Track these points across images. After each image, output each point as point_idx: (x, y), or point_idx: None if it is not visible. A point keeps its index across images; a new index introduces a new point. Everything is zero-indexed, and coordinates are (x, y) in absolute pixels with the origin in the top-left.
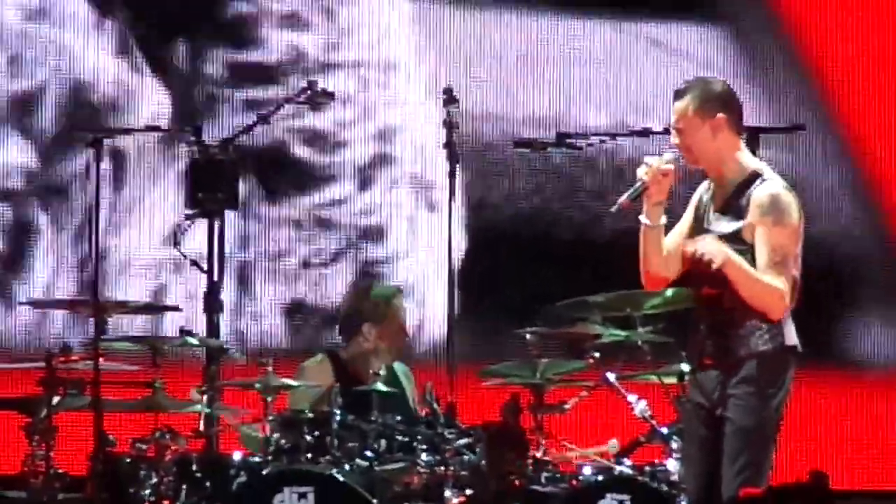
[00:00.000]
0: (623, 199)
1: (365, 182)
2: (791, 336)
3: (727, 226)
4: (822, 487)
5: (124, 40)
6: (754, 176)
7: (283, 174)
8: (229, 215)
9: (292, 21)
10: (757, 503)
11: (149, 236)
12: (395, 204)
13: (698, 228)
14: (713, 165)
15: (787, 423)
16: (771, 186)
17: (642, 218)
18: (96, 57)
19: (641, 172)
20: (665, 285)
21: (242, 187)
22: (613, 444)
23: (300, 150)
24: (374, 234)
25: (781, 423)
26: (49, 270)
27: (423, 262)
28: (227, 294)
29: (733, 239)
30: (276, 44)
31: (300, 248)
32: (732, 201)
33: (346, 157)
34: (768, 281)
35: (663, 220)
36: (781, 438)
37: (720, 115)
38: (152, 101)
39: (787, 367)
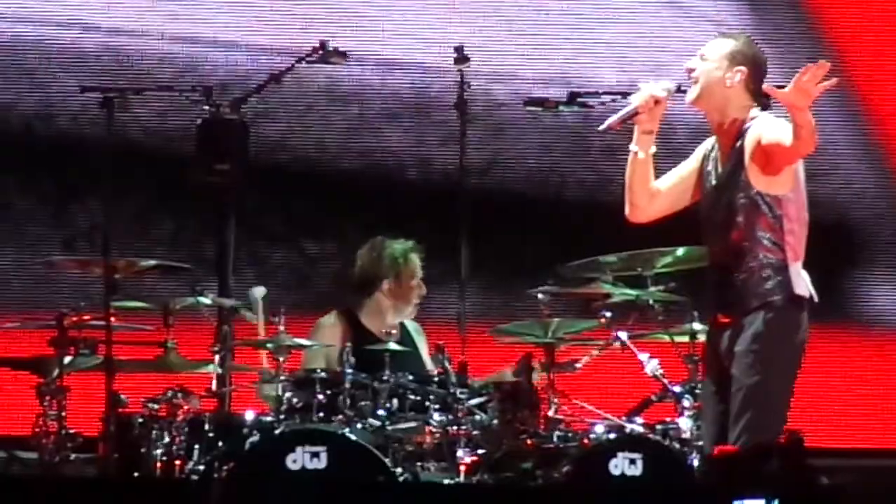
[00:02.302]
0: (612, 120)
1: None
2: (800, 285)
3: (731, 172)
4: (798, 447)
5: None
6: (749, 122)
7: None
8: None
9: None
10: (731, 460)
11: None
12: (402, 157)
13: (705, 183)
14: (715, 111)
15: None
16: (762, 120)
17: (631, 146)
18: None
19: (635, 97)
20: (647, 221)
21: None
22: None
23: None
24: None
25: (794, 380)
26: (61, 230)
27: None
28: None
29: (737, 185)
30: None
31: (310, 207)
32: (733, 149)
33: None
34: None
35: (652, 149)
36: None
37: (743, 68)
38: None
39: (797, 321)
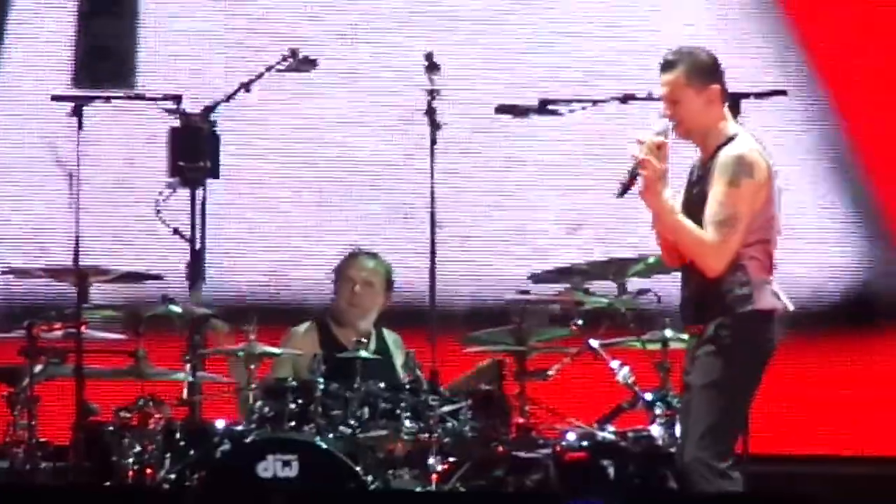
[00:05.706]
0: (624, 179)
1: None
2: (764, 299)
3: (701, 188)
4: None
5: None
6: (728, 140)
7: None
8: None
9: None
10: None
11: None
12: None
13: (688, 200)
14: (702, 136)
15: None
16: (737, 147)
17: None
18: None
19: (636, 150)
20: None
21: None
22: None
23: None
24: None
25: (752, 389)
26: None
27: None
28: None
29: (703, 199)
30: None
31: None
32: (708, 163)
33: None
34: (700, 235)
35: (669, 191)
36: None
37: (714, 86)
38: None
39: (757, 331)
